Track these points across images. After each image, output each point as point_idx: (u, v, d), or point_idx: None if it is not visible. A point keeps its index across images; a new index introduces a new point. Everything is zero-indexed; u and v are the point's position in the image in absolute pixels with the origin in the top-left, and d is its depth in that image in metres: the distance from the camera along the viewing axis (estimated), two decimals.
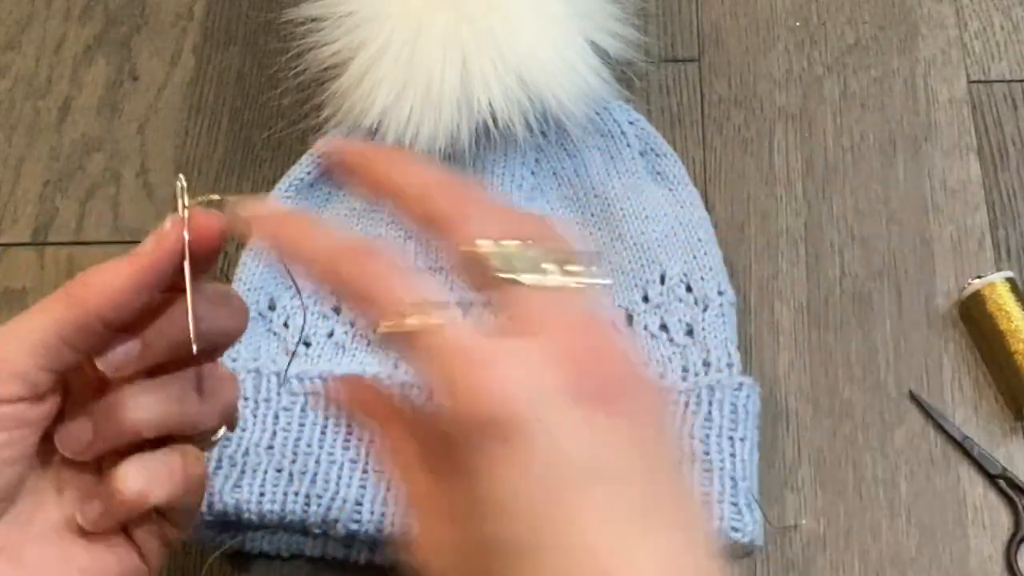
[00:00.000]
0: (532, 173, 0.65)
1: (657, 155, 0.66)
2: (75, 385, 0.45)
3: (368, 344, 0.62)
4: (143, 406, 0.43)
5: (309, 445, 0.58)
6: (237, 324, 0.45)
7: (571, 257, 0.39)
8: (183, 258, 0.42)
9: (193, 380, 0.44)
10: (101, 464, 0.45)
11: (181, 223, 0.42)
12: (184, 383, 0.44)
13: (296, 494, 0.57)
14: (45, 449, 0.44)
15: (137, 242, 0.68)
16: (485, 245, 0.38)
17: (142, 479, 0.43)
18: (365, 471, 0.58)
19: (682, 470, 0.38)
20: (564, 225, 0.40)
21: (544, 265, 0.38)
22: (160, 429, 0.44)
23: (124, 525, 0.45)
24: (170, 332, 0.43)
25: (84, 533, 0.44)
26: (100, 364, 0.43)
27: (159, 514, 0.46)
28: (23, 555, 0.43)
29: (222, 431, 0.47)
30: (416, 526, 0.38)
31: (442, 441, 0.36)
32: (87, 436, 0.43)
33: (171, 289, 0.43)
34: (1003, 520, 0.59)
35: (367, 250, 0.39)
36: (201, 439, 0.46)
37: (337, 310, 0.63)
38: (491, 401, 0.35)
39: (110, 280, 0.42)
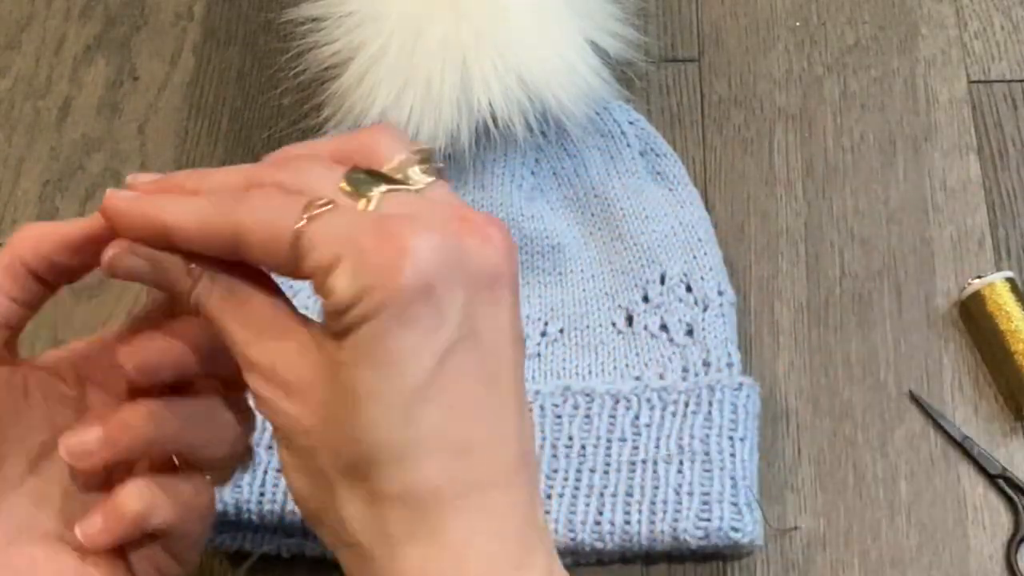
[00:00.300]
0: (532, 173, 0.65)
1: (657, 155, 0.66)
2: (94, 401, 0.45)
3: None
4: (155, 420, 0.43)
5: None
6: None
7: (419, 159, 0.40)
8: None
9: (210, 407, 0.44)
10: (112, 485, 0.44)
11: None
12: (201, 408, 0.44)
13: None
14: (52, 455, 0.44)
15: None
16: (342, 186, 0.39)
17: (145, 499, 0.43)
18: None
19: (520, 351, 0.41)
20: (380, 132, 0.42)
21: (404, 175, 0.40)
22: (167, 447, 0.44)
23: (122, 548, 0.44)
24: (202, 345, 0.43)
25: (81, 550, 0.43)
26: (126, 362, 0.42)
27: (160, 543, 0.45)
28: (10, 555, 0.43)
29: (236, 470, 0.47)
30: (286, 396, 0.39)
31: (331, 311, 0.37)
32: (93, 443, 0.43)
33: None
34: (1003, 520, 0.59)
35: (245, 188, 0.40)
36: (212, 471, 0.46)
37: None
38: (404, 270, 0.36)
39: (45, 234, 0.42)
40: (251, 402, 0.43)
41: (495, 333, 0.39)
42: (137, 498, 0.43)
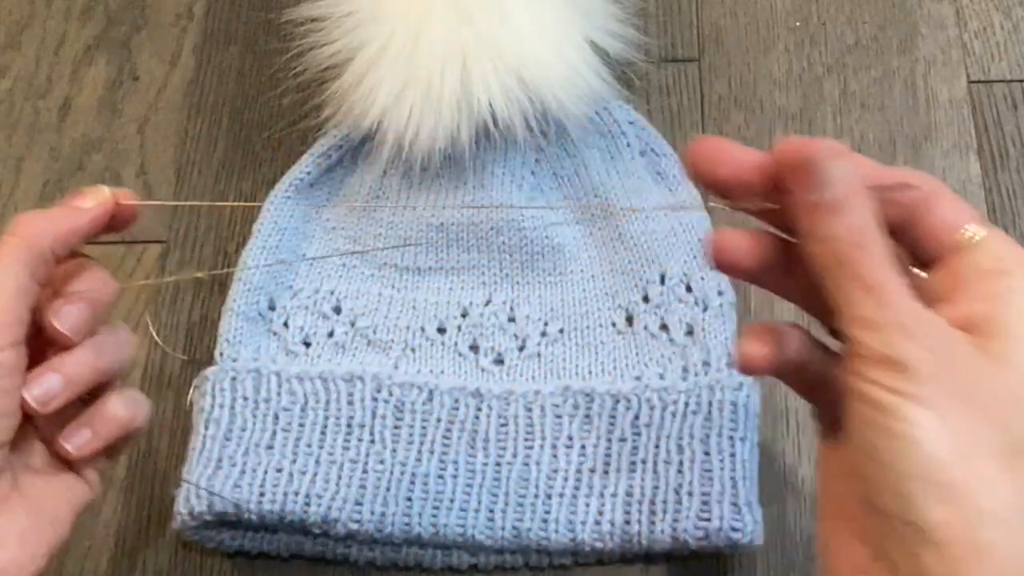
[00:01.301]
0: (532, 173, 0.65)
1: (657, 155, 0.66)
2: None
3: (368, 344, 0.62)
4: (99, 352, 0.48)
5: (309, 445, 0.58)
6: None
7: None
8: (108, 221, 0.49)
9: (116, 334, 0.50)
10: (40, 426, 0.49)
11: (113, 197, 0.48)
12: (114, 336, 0.50)
13: (296, 494, 0.57)
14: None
15: (137, 242, 0.68)
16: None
17: (131, 407, 0.50)
18: (365, 471, 0.58)
19: None
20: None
21: None
22: (104, 374, 0.49)
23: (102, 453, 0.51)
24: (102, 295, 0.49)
25: (54, 470, 0.49)
26: (58, 324, 0.46)
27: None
28: (25, 488, 0.47)
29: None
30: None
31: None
32: (57, 387, 0.47)
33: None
34: None
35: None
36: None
37: (337, 310, 0.63)
38: None
39: (57, 223, 0.47)
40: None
41: None
42: (126, 407, 0.49)
